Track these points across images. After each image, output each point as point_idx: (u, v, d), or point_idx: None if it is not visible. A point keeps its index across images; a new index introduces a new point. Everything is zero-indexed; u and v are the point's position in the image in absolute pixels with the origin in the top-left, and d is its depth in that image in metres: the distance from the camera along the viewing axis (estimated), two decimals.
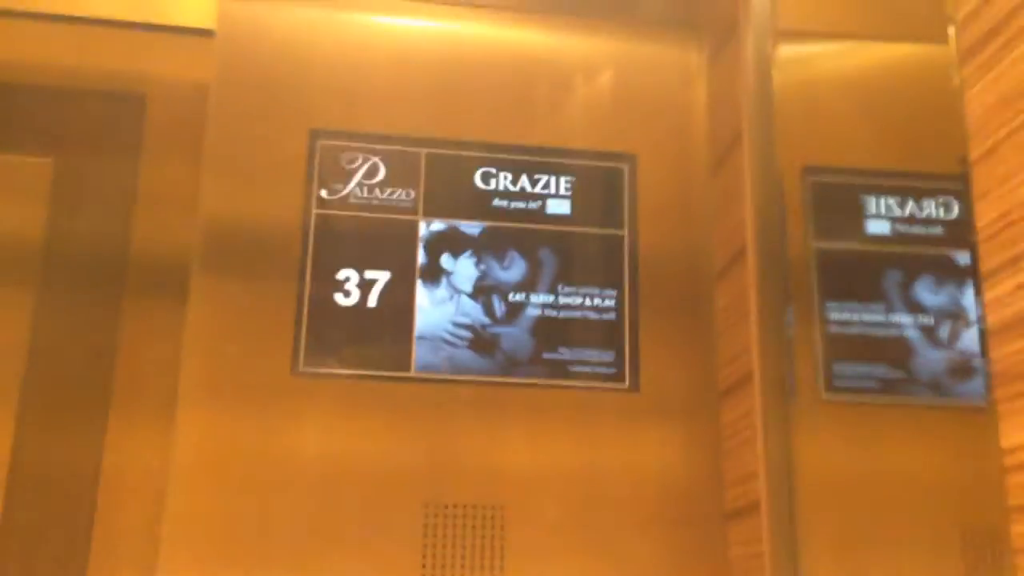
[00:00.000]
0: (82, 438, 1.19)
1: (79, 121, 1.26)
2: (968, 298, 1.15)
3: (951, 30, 0.81)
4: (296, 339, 1.10)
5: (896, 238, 1.17)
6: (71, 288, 1.23)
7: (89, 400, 1.20)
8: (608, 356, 1.13)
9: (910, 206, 1.17)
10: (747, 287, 1.06)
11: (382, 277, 1.13)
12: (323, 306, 1.11)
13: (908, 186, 1.17)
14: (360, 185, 1.16)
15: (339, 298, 1.12)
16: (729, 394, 1.10)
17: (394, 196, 1.16)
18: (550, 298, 1.14)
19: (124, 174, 1.26)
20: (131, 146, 1.26)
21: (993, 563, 0.97)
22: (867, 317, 1.13)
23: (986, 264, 0.70)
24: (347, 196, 1.15)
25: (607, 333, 1.14)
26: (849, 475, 1.11)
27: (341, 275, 1.13)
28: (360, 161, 1.17)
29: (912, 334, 1.13)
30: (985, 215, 0.70)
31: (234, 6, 1.19)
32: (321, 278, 1.12)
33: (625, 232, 1.17)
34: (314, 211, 1.15)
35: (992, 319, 0.70)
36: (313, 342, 1.10)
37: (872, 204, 1.16)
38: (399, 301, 1.12)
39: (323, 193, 1.15)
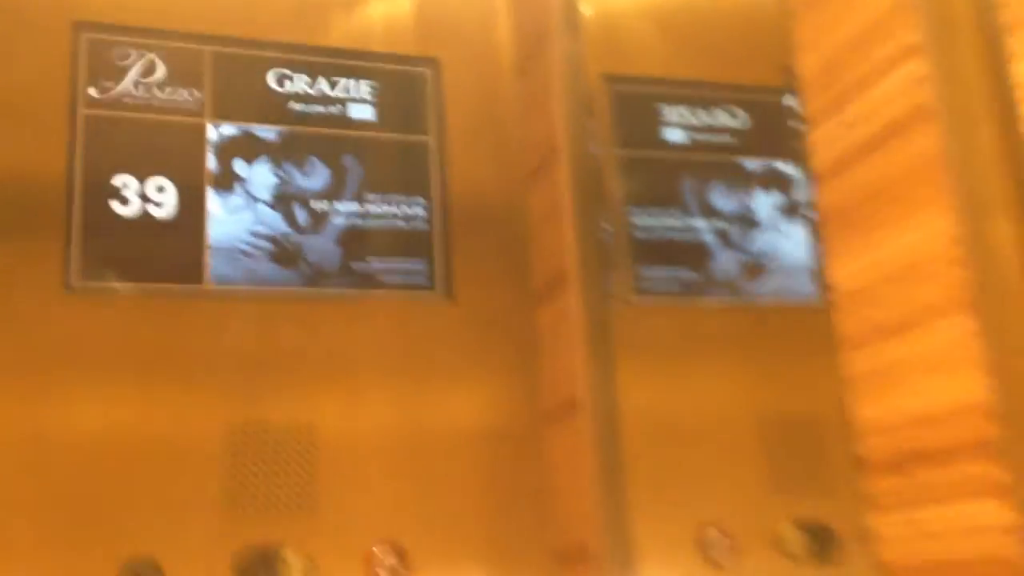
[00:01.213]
0: None
1: None
2: (756, 202, 1.21)
3: None
4: (67, 251, 0.96)
5: (692, 146, 1.21)
6: None
7: None
8: (419, 265, 1.09)
9: (702, 114, 1.21)
10: (560, 187, 1.05)
11: (166, 184, 1.02)
12: (98, 215, 0.99)
13: (700, 95, 1.21)
14: (136, 83, 1.03)
15: (116, 206, 1.00)
16: (546, 296, 1.09)
17: (176, 97, 1.04)
18: (356, 206, 1.08)
19: None
20: None
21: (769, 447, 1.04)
22: (668, 222, 1.16)
23: (810, 107, 0.72)
24: (121, 95, 1.03)
25: (417, 242, 1.09)
26: (660, 372, 1.13)
27: (117, 181, 1.00)
28: (134, 57, 1.04)
29: (708, 238, 1.18)
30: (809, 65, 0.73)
31: None
32: (93, 184, 0.99)
33: (431, 138, 1.13)
34: (81, 111, 1.01)
35: (818, 160, 0.72)
36: (89, 255, 0.97)
37: (669, 113, 1.19)
38: (188, 209, 1.02)
39: (92, 92, 1.02)
